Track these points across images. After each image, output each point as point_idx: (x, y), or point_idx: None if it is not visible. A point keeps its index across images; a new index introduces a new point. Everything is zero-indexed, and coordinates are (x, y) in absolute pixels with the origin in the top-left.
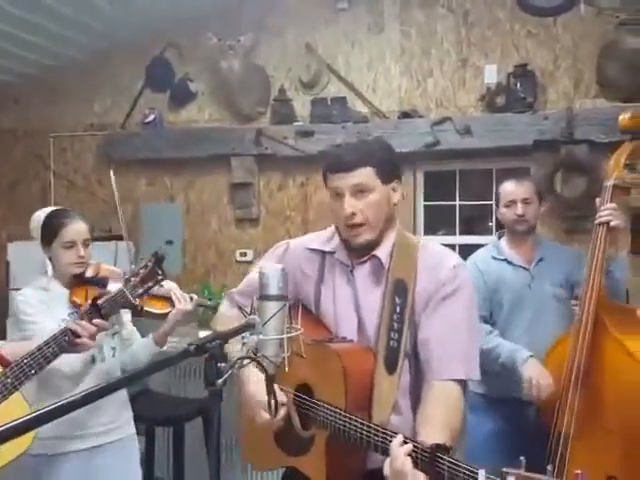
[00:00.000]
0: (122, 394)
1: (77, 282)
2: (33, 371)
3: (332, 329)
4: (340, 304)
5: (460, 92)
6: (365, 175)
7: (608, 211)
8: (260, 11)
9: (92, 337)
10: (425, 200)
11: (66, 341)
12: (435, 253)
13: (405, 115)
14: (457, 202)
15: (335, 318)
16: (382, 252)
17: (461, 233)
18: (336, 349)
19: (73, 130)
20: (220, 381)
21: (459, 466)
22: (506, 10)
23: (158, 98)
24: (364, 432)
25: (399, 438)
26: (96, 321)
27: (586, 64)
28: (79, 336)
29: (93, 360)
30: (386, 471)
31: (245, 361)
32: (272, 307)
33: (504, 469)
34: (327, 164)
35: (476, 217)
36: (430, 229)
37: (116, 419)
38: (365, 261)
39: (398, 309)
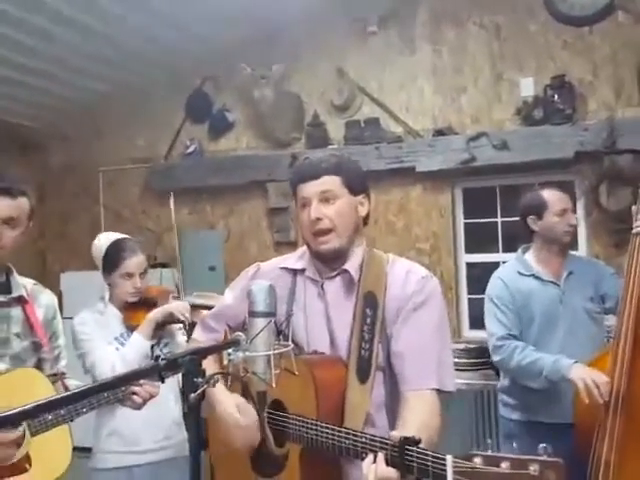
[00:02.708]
0: (175, 415)
1: (130, 306)
2: (85, 409)
3: (304, 346)
4: (311, 319)
5: (495, 107)
6: (331, 182)
7: None
8: (291, 39)
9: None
10: (465, 218)
11: (123, 395)
12: (403, 266)
13: (439, 133)
14: (499, 219)
15: (307, 333)
16: (351, 266)
17: (504, 250)
18: (305, 360)
19: (120, 164)
20: (193, 395)
21: (427, 455)
22: (539, 22)
23: (197, 129)
24: (335, 438)
25: (369, 457)
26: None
27: (627, 72)
28: (136, 394)
29: None
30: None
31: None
32: (259, 324)
33: (472, 451)
34: (296, 176)
35: (520, 233)
36: (471, 246)
37: (170, 437)
38: (335, 276)
39: (369, 320)
